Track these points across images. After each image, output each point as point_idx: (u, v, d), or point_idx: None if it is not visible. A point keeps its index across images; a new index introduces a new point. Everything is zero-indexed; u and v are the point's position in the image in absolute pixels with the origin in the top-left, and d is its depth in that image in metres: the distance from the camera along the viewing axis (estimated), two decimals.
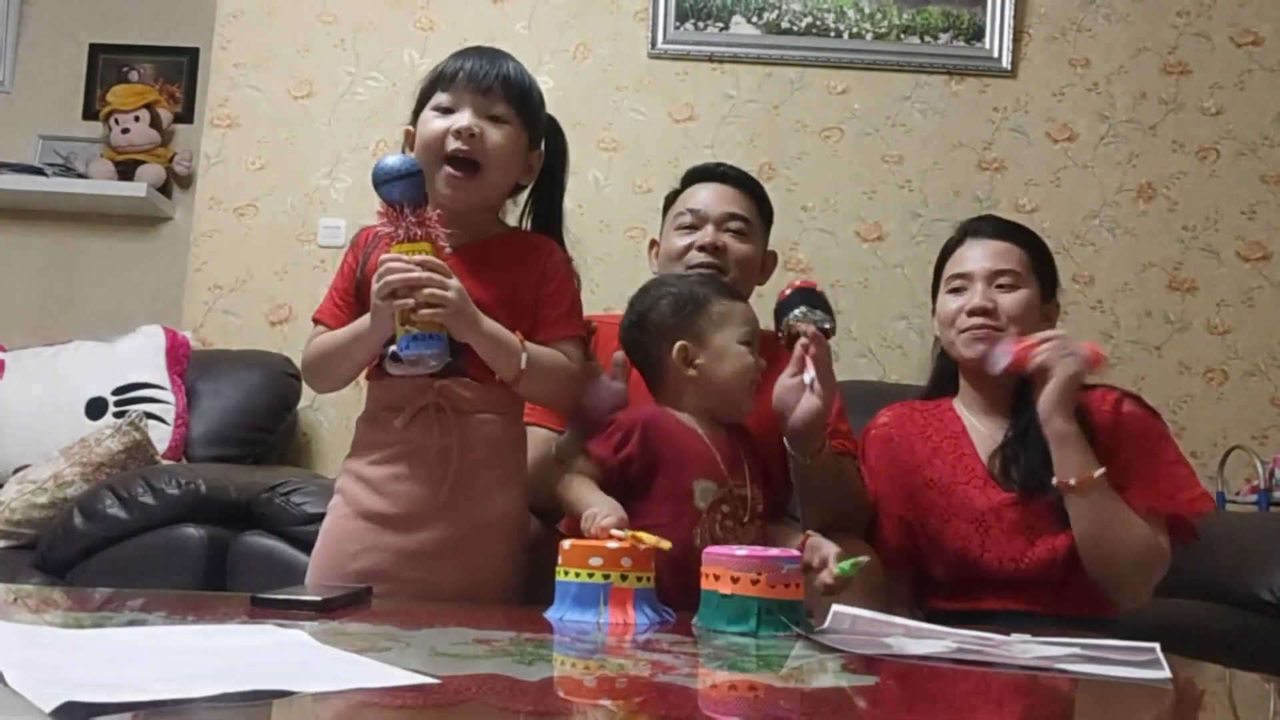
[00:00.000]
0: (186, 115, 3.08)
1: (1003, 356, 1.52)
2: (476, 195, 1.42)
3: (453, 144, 1.37)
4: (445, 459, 1.34)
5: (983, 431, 1.65)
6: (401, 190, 1.30)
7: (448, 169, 1.38)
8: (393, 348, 1.31)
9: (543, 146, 1.49)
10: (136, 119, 2.96)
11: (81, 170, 2.95)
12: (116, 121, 2.96)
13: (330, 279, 1.49)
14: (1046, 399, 1.48)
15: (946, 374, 1.74)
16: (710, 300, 1.45)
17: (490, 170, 1.40)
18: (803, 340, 1.47)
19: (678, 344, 1.42)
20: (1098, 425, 1.55)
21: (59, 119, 3.09)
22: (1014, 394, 1.64)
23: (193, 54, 3.10)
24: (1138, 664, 0.96)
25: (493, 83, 1.39)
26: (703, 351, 1.42)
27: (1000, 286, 1.62)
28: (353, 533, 1.36)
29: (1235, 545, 1.96)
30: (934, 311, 1.75)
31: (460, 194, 1.40)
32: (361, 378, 1.45)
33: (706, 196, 1.78)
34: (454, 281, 1.28)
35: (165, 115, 3.02)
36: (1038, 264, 1.67)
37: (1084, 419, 1.55)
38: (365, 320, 1.34)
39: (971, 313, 1.61)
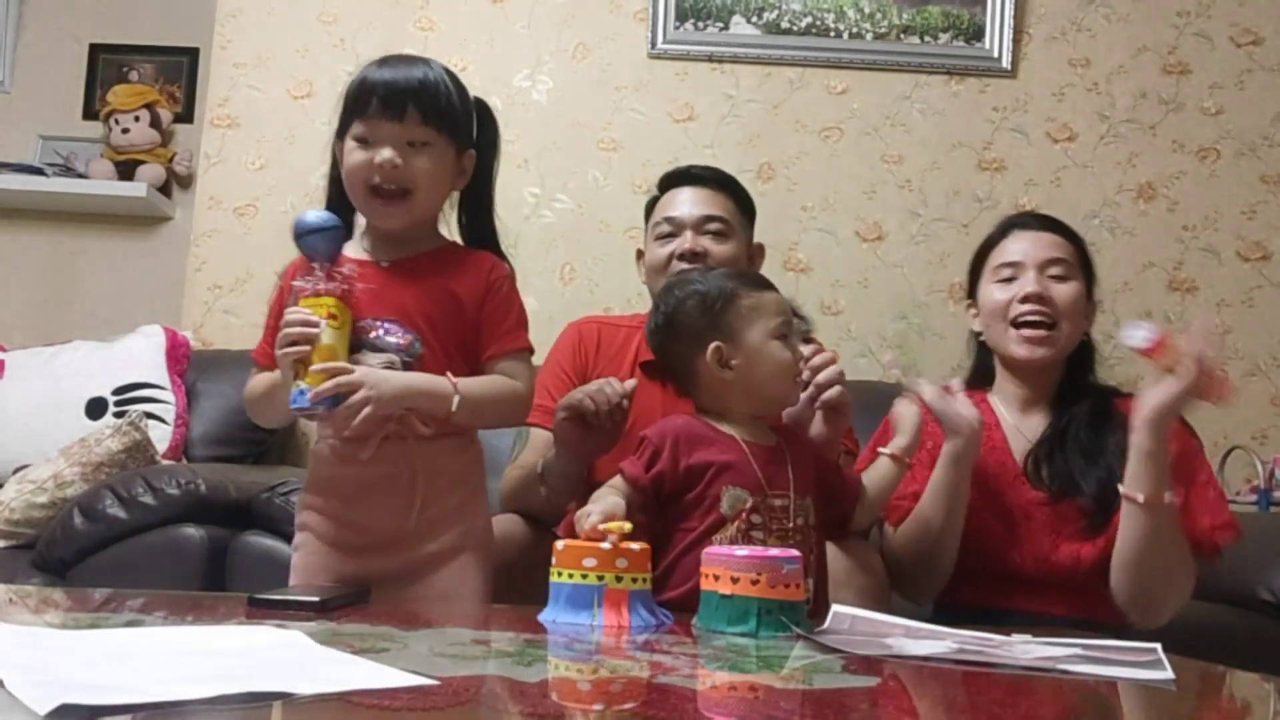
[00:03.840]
0: (186, 115, 3.08)
1: (1141, 336, 1.40)
2: (408, 218, 1.40)
3: (375, 178, 1.36)
4: (411, 487, 1.34)
5: (1018, 428, 1.63)
6: (313, 245, 1.34)
7: (376, 199, 1.37)
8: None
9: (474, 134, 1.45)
10: (136, 119, 2.96)
11: (81, 170, 2.95)
12: (116, 121, 2.96)
13: None
14: (1150, 409, 1.40)
15: (984, 368, 1.71)
16: (738, 294, 1.38)
17: (420, 193, 1.38)
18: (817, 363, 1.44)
19: (711, 346, 1.35)
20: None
21: (59, 119, 3.09)
22: (1056, 392, 1.63)
23: (193, 54, 3.10)
24: (1139, 664, 0.96)
25: (407, 108, 1.35)
26: (738, 352, 1.35)
27: (1053, 277, 1.60)
28: (324, 566, 1.36)
29: (1235, 545, 1.95)
30: (970, 305, 1.72)
31: (392, 220, 1.39)
32: None
33: (681, 202, 1.77)
34: (369, 375, 1.28)
35: (165, 115, 3.02)
36: (1083, 259, 1.65)
37: (1125, 424, 1.52)
38: (278, 374, 1.34)
39: (1025, 299, 1.58)
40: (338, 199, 1.46)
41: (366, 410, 1.27)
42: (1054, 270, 1.60)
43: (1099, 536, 1.52)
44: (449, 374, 1.33)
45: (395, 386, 1.30)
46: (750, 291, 1.39)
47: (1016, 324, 1.60)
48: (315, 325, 1.28)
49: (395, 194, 1.36)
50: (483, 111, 1.47)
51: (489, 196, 1.49)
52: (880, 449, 1.47)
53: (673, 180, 1.83)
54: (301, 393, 1.27)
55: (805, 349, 1.45)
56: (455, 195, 1.47)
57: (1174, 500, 1.42)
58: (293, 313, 1.30)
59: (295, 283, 1.33)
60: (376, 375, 1.29)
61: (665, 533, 1.29)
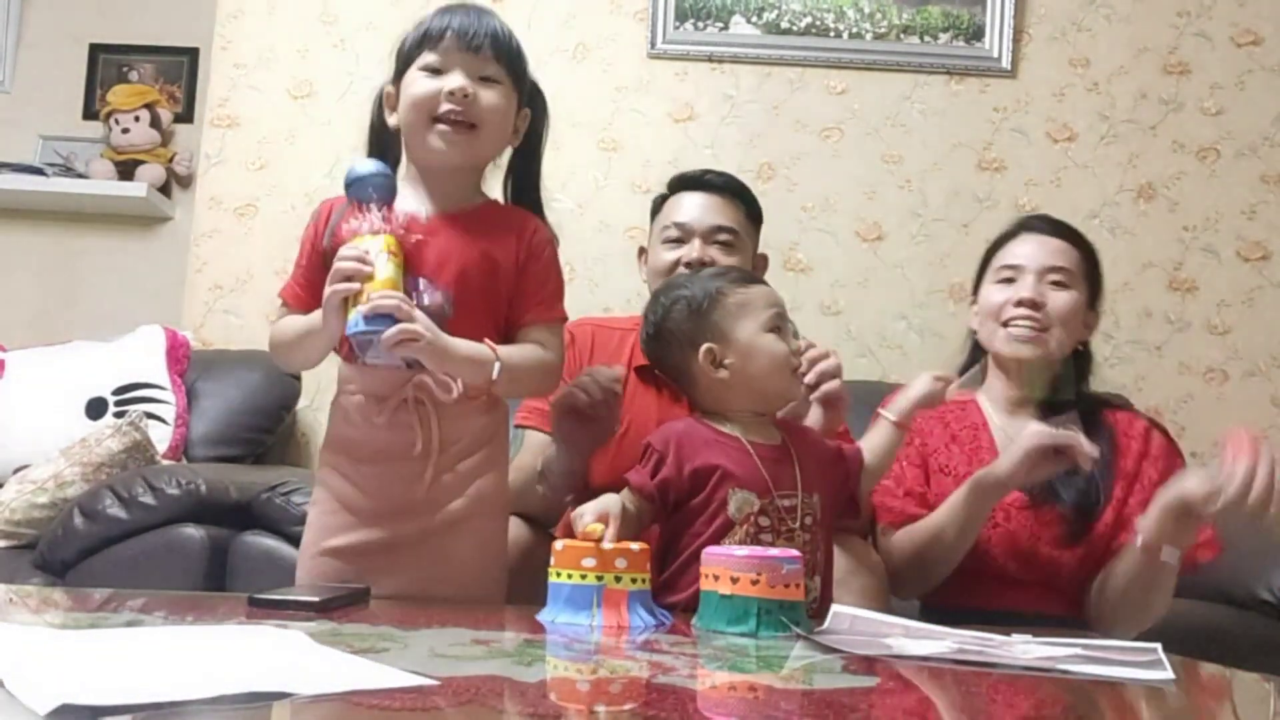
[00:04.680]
0: (186, 115, 3.08)
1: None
2: (469, 153, 1.38)
3: (445, 106, 1.33)
4: (425, 453, 1.32)
5: (1005, 429, 1.63)
6: (372, 188, 1.31)
7: (442, 125, 1.34)
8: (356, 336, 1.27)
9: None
10: (136, 119, 2.96)
11: (81, 170, 2.95)
12: (116, 121, 2.96)
13: None
14: (1178, 496, 1.37)
15: (976, 366, 1.69)
16: (725, 292, 1.35)
17: (486, 129, 1.36)
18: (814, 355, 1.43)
19: (703, 347, 1.32)
20: (1124, 447, 1.57)
21: (59, 119, 3.09)
22: (1045, 396, 1.62)
23: (193, 54, 3.10)
24: (1139, 664, 0.96)
25: (483, 41, 1.34)
26: (729, 350, 1.33)
27: (1052, 284, 1.60)
28: (337, 526, 1.36)
29: (1235, 545, 1.95)
30: (974, 302, 1.72)
31: (454, 151, 1.36)
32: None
33: (692, 208, 1.75)
34: (426, 321, 1.26)
35: (165, 115, 3.01)
36: (1089, 268, 1.65)
37: (1113, 438, 1.56)
38: (316, 317, 1.31)
39: (1019, 303, 1.59)
40: (380, 152, 1.44)
41: (416, 345, 1.24)
42: (1054, 277, 1.60)
43: (1076, 545, 1.53)
44: (488, 341, 1.32)
45: (446, 344, 1.28)
46: (737, 288, 1.36)
47: (1007, 324, 1.61)
48: (370, 262, 1.25)
49: (461, 125, 1.34)
50: (533, 83, 1.46)
51: (538, 162, 1.48)
52: (881, 410, 1.45)
53: (685, 184, 1.81)
54: (361, 317, 1.23)
55: (800, 344, 1.43)
56: (501, 163, 1.46)
57: (1173, 562, 1.41)
58: (350, 248, 1.27)
59: (347, 224, 1.31)
60: (432, 326, 1.26)
61: (674, 538, 1.28)
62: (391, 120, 1.40)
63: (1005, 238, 1.69)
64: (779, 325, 1.35)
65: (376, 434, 1.33)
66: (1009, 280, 1.62)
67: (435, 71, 1.34)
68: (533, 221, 1.43)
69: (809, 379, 1.45)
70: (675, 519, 1.29)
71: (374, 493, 1.34)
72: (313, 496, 1.42)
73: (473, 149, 1.37)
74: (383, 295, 1.23)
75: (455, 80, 1.33)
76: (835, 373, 1.47)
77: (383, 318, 1.23)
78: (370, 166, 1.33)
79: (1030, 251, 1.63)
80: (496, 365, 1.31)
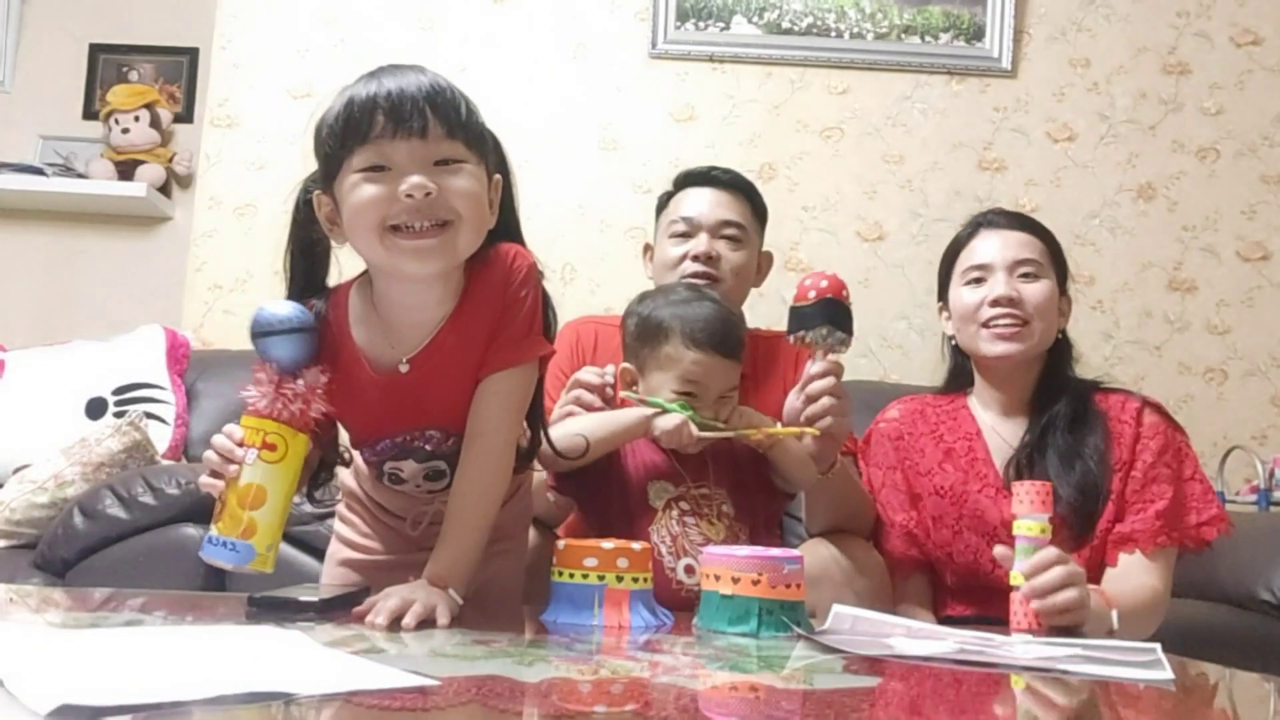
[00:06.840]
0: (186, 115, 3.08)
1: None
2: (451, 258, 1.12)
3: (404, 216, 1.07)
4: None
5: (999, 433, 1.61)
6: (265, 349, 1.10)
7: (401, 237, 1.08)
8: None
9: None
10: (136, 119, 2.96)
11: (81, 170, 2.94)
12: (116, 121, 2.96)
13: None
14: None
15: (962, 371, 1.70)
16: (667, 340, 1.40)
17: (465, 222, 1.10)
18: (815, 389, 1.39)
19: (623, 364, 1.47)
20: (1117, 434, 1.54)
21: (59, 119, 3.08)
22: (1035, 393, 1.62)
23: (193, 54, 3.10)
24: (1139, 664, 0.96)
25: (427, 118, 1.06)
26: (642, 381, 1.44)
27: (1022, 276, 1.59)
28: (357, 541, 1.37)
29: (1235, 545, 1.95)
30: (942, 308, 1.70)
31: (432, 262, 1.10)
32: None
33: (700, 203, 1.76)
34: (428, 599, 1.04)
35: (165, 115, 3.01)
36: (1054, 255, 1.64)
37: (1104, 424, 1.55)
38: None
39: (995, 302, 1.57)
40: (305, 275, 1.21)
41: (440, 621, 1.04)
42: (1023, 270, 1.59)
43: (1082, 546, 1.50)
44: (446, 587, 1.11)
45: (453, 584, 1.11)
46: (682, 345, 1.39)
47: (987, 325, 1.58)
48: (238, 460, 1.06)
49: (431, 230, 1.08)
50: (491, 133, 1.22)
51: (517, 230, 1.24)
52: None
53: (692, 179, 1.81)
54: (210, 540, 1.06)
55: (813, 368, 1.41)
56: None
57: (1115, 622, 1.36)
58: (224, 435, 1.10)
59: (246, 390, 1.10)
60: (430, 600, 1.05)
61: (605, 532, 1.31)
62: (336, 238, 1.16)
63: (964, 239, 1.66)
64: (683, 392, 1.41)
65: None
66: (979, 280, 1.60)
67: (377, 170, 1.07)
68: (508, 259, 1.18)
69: (808, 412, 1.40)
70: (604, 515, 1.39)
71: (400, 508, 1.34)
72: (338, 509, 1.43)
73: (453, 251, 1.11)
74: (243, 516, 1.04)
75: (411, 179, 1.05)
76: (830, 409, 1.39)
77: (234, 550, 1.06)
78: (274, 315, 1.10)
79: (994, 248, 1.61)
80: (456, 599, 1.10)
